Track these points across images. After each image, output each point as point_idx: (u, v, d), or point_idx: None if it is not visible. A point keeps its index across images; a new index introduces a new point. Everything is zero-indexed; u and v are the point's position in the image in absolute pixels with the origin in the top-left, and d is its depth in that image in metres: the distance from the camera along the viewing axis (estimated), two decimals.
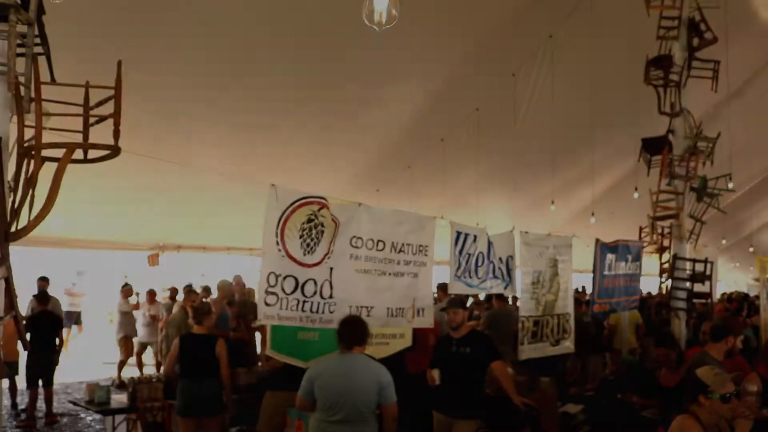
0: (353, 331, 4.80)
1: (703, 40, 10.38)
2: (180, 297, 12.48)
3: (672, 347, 6.80)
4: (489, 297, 10.93)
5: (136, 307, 13.73)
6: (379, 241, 5.88)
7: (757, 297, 14.52)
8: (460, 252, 6.66)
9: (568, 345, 8.13)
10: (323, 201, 5.48)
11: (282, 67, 10.17)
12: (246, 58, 9.64)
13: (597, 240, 8.54)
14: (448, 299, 6.54)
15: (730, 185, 11.82)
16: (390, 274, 5.98)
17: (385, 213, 6.10)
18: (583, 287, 16.17)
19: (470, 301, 11.69)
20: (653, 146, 10.37)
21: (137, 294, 14.38)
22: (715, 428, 3.90)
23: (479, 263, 6.86)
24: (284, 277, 5.30)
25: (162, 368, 11.62)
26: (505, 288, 7.35)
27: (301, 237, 5.38)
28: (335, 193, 10.36)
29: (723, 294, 21.31)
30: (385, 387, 4.66)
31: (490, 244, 7.03)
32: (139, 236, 14.31)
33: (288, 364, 5.92)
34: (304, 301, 5.41)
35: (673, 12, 10.20)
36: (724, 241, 25.58)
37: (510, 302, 11.19)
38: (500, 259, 7.20)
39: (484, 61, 12.01)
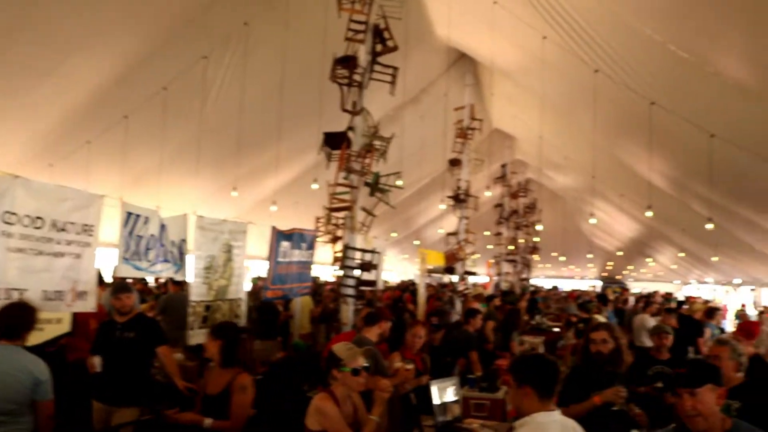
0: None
1: (386, 47, 11.17)
2: None
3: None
4: (166, 281, 10.69)
5: None
6: (37, 218, 5.41)
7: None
8: (130, 233, 6.40)
9: None
10: None
11: None
12: None
13: (273, 227, 8.77)
14: (115, 284, 6.27)
15: (399, 182, 12.86)
16: (48, 254, 5.52)
17: (46, 188, 5.63)
18: None
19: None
20: (333, 141, 10.89)
21: None
22: (348, 400, 4.29)
23: (150, 246, 6.65)
24: None
25: None
26: (176, 272, 7.21)
27: None
28: (2, 166, 9.33)
29: (386, 284, 23.20)
30: (42, 383, 4.23)
31: (163, 226, 6.85)
32: None
33: None
34: None
35: (362, 17, 10.84)
36: (394, 234, 27.91)
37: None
38: (173, 242, 7.05)
39: (175, 39, 11.65)
